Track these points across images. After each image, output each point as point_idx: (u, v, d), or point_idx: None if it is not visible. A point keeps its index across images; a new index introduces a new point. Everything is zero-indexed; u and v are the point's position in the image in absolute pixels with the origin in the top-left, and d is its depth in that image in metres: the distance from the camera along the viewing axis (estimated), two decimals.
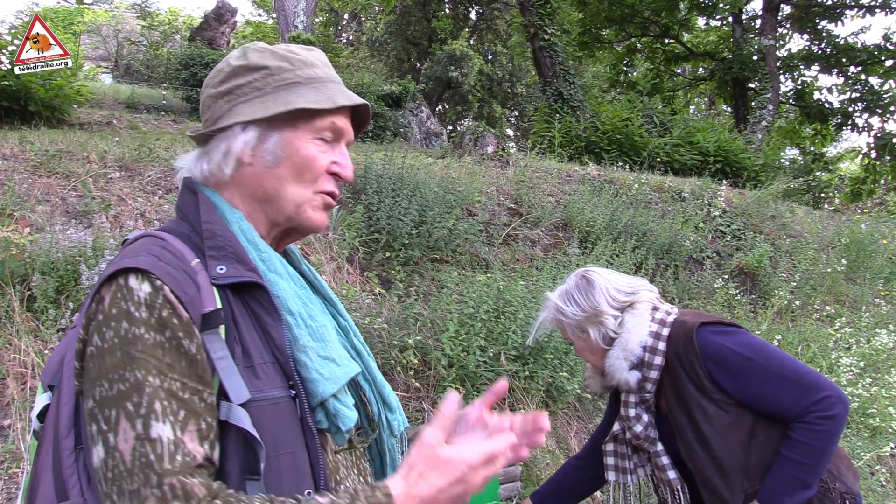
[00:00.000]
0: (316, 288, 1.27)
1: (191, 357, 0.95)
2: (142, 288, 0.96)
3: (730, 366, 1.87)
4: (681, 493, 2.04)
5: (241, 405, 0.97)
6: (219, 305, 1.01)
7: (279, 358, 1.04)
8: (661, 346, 1.96)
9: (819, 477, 1.81)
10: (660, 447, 2.06)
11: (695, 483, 1.99)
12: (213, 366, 0.98)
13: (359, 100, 1.18)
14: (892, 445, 4.76)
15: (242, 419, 0.96)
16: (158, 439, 0.89)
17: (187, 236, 1.08)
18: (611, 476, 2.21)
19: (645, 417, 2.04)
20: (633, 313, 2.01)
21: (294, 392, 1.04)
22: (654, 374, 1.97)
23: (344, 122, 1.18)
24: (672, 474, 2.04)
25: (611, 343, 2.03)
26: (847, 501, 1.88)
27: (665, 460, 2.05)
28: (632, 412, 2.04)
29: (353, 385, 1.22)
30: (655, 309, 2.05)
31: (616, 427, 2.15)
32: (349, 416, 1.09)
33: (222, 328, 1.00)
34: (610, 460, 2.21)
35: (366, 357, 1.25)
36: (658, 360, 1.96)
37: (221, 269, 1.04)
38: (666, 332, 1.98)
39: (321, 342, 1.09)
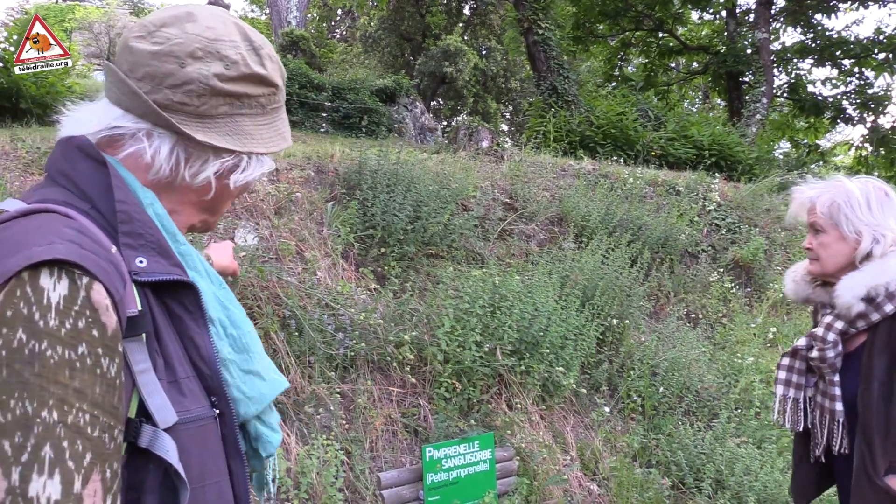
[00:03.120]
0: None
1: (109, 381, 0.76)
2: (56, 287, 0.74)
3: None
4: (842, 427, 2.03)
5: (167, 430, 0.82)
6: (139, 307, 0.83)
7: (203, 370, 0.89)
8: None
9: None
10: (836, 378, 2.04)
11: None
12: (133, 380, 0.81)
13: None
14: None
15: (170, 451, 0.80)
16: (35, 500, 0.68)
17: (85, 212, 0.86)
18: (779, 390, 2.19)
19: (840, 347, 2.02)
20: None
21: (218, 411, 0.90)
22: (875, 316, 1.95)
23: None
24: (839, 406, 2.03)
25: (863, 263, 1.98)
26: None
27: (838, 391, 2.03)
28: (831, 336, 2.01)
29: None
30: None
31: (801, 342, 2.13)
32: (272, 440, 0.98)
33: (144, 335, 0.83)
34: (783, 374, 2.19)
35: None
36: (890, 308, 1.92)
37: (141, 261, 0.85)
38: None
39: (244, 353, 0.96)
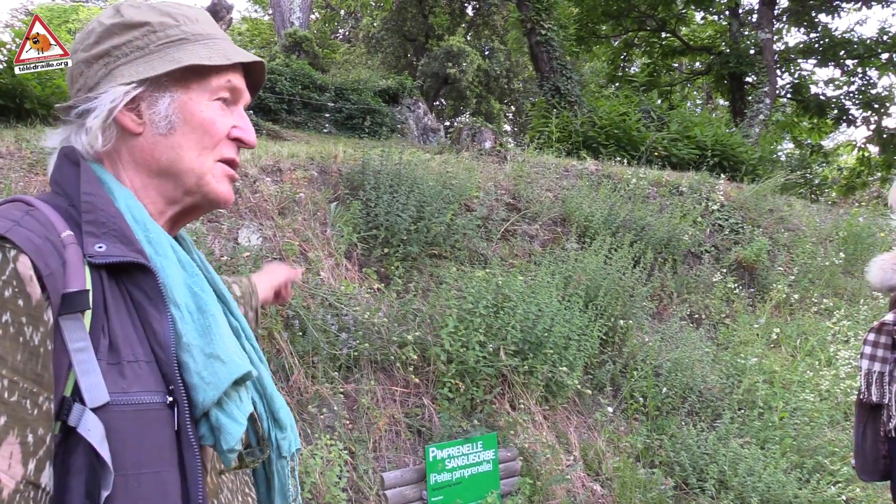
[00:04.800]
0: (208, 281, 1.10)
1: (31, 349, 0.79)
2: None
3: None
4: None
5: (96, 410, 0.81)
6: (88, 287, 0.85)
7: (160, 356, 0.88)
8: None
9: None
10: None
11: None
12: (70, 358, 0.82)
13: (254, 56, 1.07)
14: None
15: (92, 430, 0.80)
16: None
17: (64, 209, 0.92)
18: (865, 364, 2.27)
19: None
20: None
21: (171, 398, 0.88)
22: None
23: (240, 82, 1.07)
24: None
25: None
26: None
27: None
28: None
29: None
30: None
31: (889, 317, 2.24)
32: (232, 431, 0.91)
33: (88, 315, 0.85)
34: (868, 349, 2.28)
35: (258, 364, 1.06)
36: None
37: (100, 247, 0.88)
38: None
39: (206, 337, 0.93)
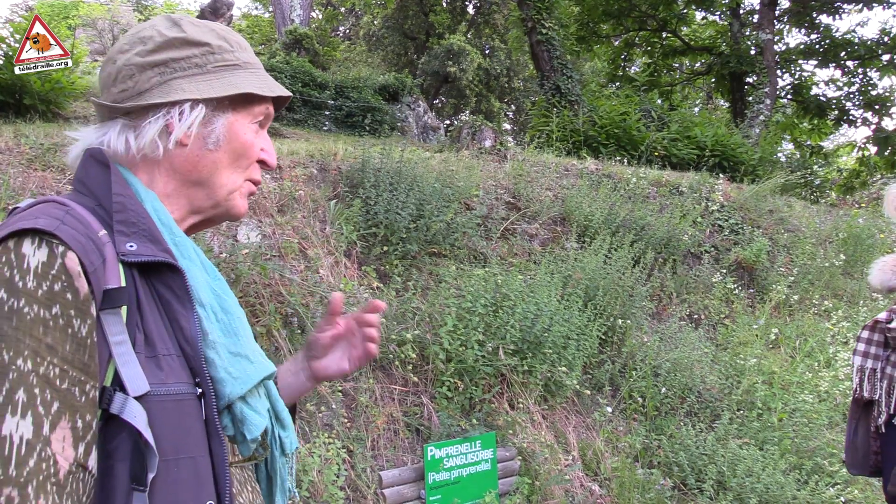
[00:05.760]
0: None
1: (79, 340, 0.84)
2: (36, 254, 0.84)
3: None
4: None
5: (138, 399, 0.86)
6: (124, 284, 0.90)
7: (187, 351, 0.94)
8: None
9: None
10: None
11: None
12: (109, 350, 0.87)
13: (289, 92, 1.17)
14: None
15: (137, 417, 0.85)
16: (8, 437, 0.77)
17: (92, 209, 0.96)
18: (857, 360, 2.31)
19: None
20: None
21: (200, 390, 0.93)
22: None
23: (272, 109, 1.15)
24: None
25: None
26: None
27: None
28: None
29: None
30: None
31: (882, 315, 2.29)
32: (257, 422, 0.99)
33: (124, 310, 0.89)
34: (861, 346, 2.31)
35: None
36: None
37: (131, 245, 0.93)
38: None
39: (233, 337, 1.00)
